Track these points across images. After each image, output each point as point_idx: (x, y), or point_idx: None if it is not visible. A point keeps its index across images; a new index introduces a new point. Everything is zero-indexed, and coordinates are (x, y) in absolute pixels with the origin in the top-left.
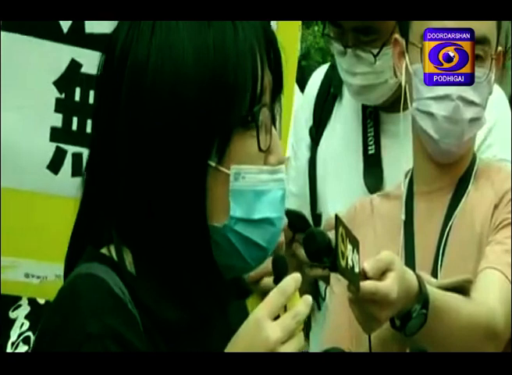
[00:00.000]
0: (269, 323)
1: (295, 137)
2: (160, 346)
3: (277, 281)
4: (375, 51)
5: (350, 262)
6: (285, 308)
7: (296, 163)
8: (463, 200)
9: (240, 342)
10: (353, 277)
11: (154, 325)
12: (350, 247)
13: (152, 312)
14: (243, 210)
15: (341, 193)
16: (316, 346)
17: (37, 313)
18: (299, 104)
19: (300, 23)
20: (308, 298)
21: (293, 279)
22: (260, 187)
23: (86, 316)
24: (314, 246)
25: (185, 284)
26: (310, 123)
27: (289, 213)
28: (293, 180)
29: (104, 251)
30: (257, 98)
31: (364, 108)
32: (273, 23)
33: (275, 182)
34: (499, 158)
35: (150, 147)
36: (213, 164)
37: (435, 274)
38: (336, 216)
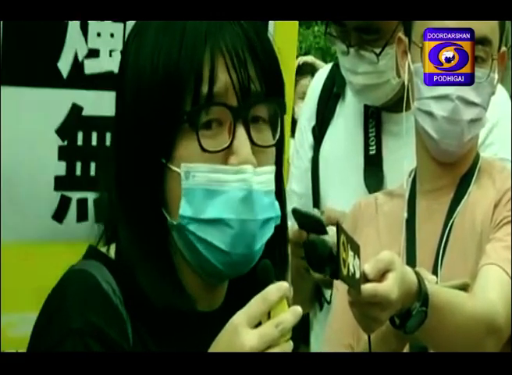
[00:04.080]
0: (246, 330)
1: (298, 137)
2: (149, 347)
3: (261, 288)
4: (378, 50)
5: (351, 269)
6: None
7: (299, 163)
8: (464, 199)
9: (217, 348)
10: (355, 283)
11: (143, 324)
12: (351, 253)
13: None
14: (193, 209)
15: (342, 193)
16: (317, 346)
17: None
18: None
19: (297, 22)
20: (297, 308)
21: (277, 287)
22: (213, 186)
23: (70, 311)
24: (315, 256)
25: (145, 284)
26: (313, 122)
27: (301, 215)
28: (296, 179)
29: (103, 249)
30: (201, 98)
31: (367, 107)
32: (270, 24)
33: (235, 183)
34: (500, 157)
35: (117, 143)
36: (164, 161)
37: (435, 272)
38: (338, 225)
